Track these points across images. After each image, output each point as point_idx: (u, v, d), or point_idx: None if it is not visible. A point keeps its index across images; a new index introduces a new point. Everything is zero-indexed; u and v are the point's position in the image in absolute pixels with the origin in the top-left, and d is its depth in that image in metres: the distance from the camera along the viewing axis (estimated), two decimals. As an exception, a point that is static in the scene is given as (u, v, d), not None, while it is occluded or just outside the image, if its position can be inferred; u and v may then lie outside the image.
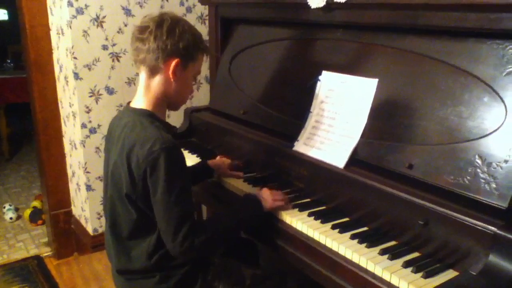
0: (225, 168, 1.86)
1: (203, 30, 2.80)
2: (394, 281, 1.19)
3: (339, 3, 1.60)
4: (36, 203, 3.64)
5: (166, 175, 1.30)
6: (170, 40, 1.37)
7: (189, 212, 1.37)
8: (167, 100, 1.47)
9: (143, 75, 1.44)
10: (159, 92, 1.44)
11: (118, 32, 2.57)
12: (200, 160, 2.01)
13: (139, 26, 1.41)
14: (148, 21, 1.39)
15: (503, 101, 1.24)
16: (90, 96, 2.56)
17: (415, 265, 1.22)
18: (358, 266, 1.28)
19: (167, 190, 1.31)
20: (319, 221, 1.48)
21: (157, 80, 1.43)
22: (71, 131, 2.72)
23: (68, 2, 2.39)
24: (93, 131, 2.61)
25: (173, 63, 1.39)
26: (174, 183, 1.32)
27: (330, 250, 1.36)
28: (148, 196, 1.35)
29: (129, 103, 1.50)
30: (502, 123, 1.22)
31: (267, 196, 1.55)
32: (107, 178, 1.50)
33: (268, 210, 1.53)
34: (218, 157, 1.95)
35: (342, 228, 1.42)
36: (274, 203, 1.54)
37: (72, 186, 2.94)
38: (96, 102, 2.58)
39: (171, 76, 1.41)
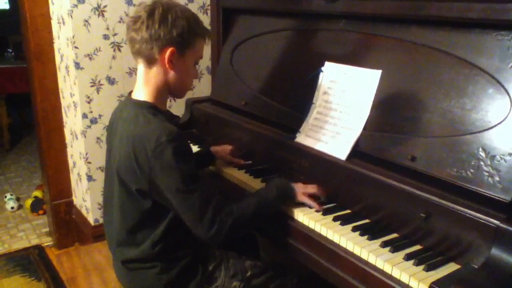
0: (226, 153, 1.86)
1: (205, 20, 2.77)
2: (395, 273, 1.19)
3: (343, -7, 1.58)
4: (37, 193, 3.65)
5: (177, 166, 1.29)
6: (163, 29, 1.34)
7: (208, 196, 1.35)
8: (169, 89, 1.45)
9: (141, 66, 1.42)
10: (159, 82, 1.42)
11: (119, 21, 2.54)
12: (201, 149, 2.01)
13: (132, 16, 1.39)
14: (140, 10, 1.37)
15: (508, 94, 1.22)
16: (91, 86, 2.55)
17: (417, 258, 1.22)
18: (359, 258, 1.28)
19: (180, 180, 1.30)
20: (320, 213, 1.47)
21: (155, 70, 1.40)
22: (72, 121, 2.71)
23: (69, -9, 2.37)
24: (94, 121, 2.60)
25: (168, 52, 1.36)
26: (186, 172, 1.31)
27: (331, 242, 1.36)
28: (158, 188, 1.33)
29: (130, 93, 1.49)
30: (507, 116, 1.21)
31: (300, 187, 1.52)
32: (110, 171, 1.48)
33: (297, 201, 1.52)
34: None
35: (344, 220, 1.42)
36: (303, 197, 1.51)
37: (73, 177, 2.94)
38: (97, 92, 2.57)
39: (167, 66, 1.39)
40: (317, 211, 1.49)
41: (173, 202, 1.33)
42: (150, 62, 1.39)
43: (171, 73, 1.41)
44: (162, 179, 1.31)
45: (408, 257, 1.23)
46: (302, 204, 1.52)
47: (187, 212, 1.33)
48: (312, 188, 1.54)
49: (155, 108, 1.41)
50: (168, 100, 1.55)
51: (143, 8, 1.37)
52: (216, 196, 1.38)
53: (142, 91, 1.43)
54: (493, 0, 1.24)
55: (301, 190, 1.52)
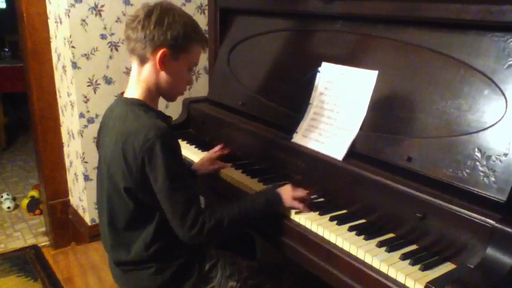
0: (206, 167, 1.84)
1: (203, 20, 2.78)
2: (391, 273, 1.19)
3: (340, -6, 1.58)
4: (33, 193, 3.64)
5: (164, 162, 1.30)
6: (157, 30, 1.35)
7: (193, 196, 1.37)
8: (160, 91, 1.46)
9: (134, 64, 1.43)
10: (150, 82, 1.42)
11: (116, 21, 2.54)
12: (199, 151, 2.01)
13: (131, 15, 1.41)
14: (139, 10, 1.39)
15: (503, 94, 1.23)
16: (88, 86, 2.55)
17: (413, 258, 1.22)
18: (355, 258, 1.28)
19: (167, 177, 1.30)
20: (317, 213, 1.47)
21: (147, 70, 1.41)
22: (69, 121, 2.71)
23: (66, -10, 2.37)
24: (91, 120, 2.60)
25: (160, 53, 1.37)
26: (173, 169, 1.32)
27: (328, 242, 1.36)
28: (147, 186, 1.34)
29: (122, 93, 1.49)
30: (502, 116, 1.22)
31: (287, 193, 1.50)
32: (101, 170, 1.49)
33: (286, 208, 1.50)
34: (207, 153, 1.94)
35: (340, 220, 1.42)
36: (292, 202, 1.49)
37: (69, 176, 2.94)
38: (94, 92, 2.57)
39: (158, 66, 1.39)
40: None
41: (159, 198, 1.34)
42: (142, 60, 1.41)
43: (163, 74, 1.42)
44: (150, 175, 1.32)
45: (404, 257, 1.23)
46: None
47: (171, 209, 1.34)
48: (301, 192, 1.52)
49: (145, 106, 1.42)
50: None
51: (142, 8, 1.39)
52: (198, 199, 1.39)
53: (134, 90, 1.44)
54: (489, 2, 1.24)
55: (290, 194, 1.50)
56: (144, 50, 1.37)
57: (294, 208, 1.50)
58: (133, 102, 1.41)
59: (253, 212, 1.46)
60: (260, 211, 1.47)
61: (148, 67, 1.41)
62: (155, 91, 1.45)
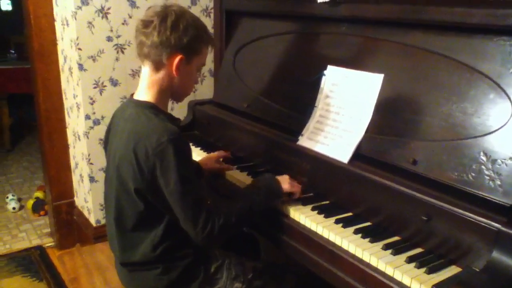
0: (212, 163, 1.87)
1: (208, 22, 2.79)
2: (397, 276, 1.20)
3: (346, -3, 1.59)
4: (38, 194, 3.65)
5: (176, 166, 1.31)
6: (173, 36, 1.36)
7: (203, 197, 1.39)
8: (170, 93, 1.48)
9: (146, 68, 1.44)
10: (163, 86, 1.44)
11: (122, 23, 2.56)
12: (204, 152, 2.02)
13: (143, 20, 1.40)
14: (153, 15, 1.38)
15: (509, 98, 1.23)
16: (94, 88, 2.56)
17: (418, 261, 1.23)
18: (361, 260, 1.29)
19: (179, 180, 1.31)
20: (323, 215, 1.48)
21: (161, 74, 1.42)
22: (75, 122, 2.72)
23: (73, -7, 2.38)
24: (96, 122, 2.61)
25: (177, 59, 1.39)
26: (185, 172, 1.33)
27: (333, 244, 1.37)
28: (157, 188, 1.35)
29: (132, 95, 1.50)
30: (508, 120, 1.22)
31: (285, 179, 1.56)
32: (109, 170, 1.50)
33: (285, 192, 1.55)
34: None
35: (345, 223, 1.43)
36: (291, 187, 1.55)
37: (75, 177, 2.95)
38: (100, 94, 2.58)
39: (174, 72, 1.41)
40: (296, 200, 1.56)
41: (170, 201, 1.35)
42: (157, 66, 1.41)
43: (176, 78, 1.43)
44: (161, 178, 1.33)
45: (409, 260, 1.24)
46: (303, 206, 1.53)
47: (182, 212, 1.35)
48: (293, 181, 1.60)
49: (156, 109, 1.43)
50: (170, 102, 1.57)
51: (155, 13, 1.38)
52: (207, 198, 1.41)
53: (145, 93, 1.45)
54: (495, 6, 1.25)
55: (287, 180, 1.56)
56: (160, 56, 1.38)
57: (292, 191, 1.56)
58: (144, 104, 1.42)
59: (256, 205, 1.49)
60: (263, 203, 1.51)
61: (162, 72, 1.42)
62: (167, 94, 1.47)
